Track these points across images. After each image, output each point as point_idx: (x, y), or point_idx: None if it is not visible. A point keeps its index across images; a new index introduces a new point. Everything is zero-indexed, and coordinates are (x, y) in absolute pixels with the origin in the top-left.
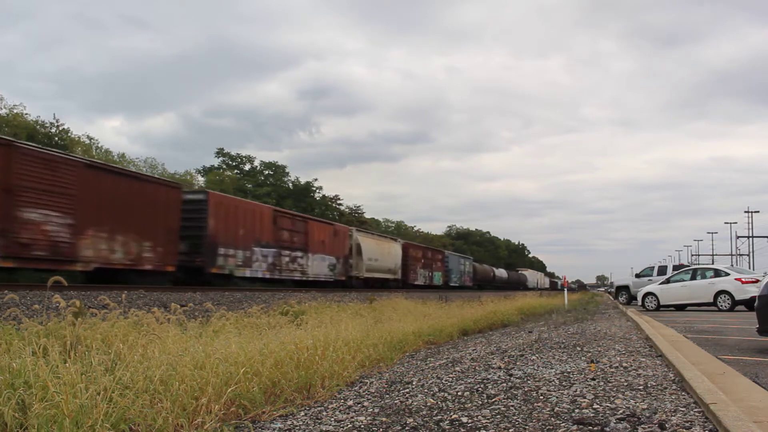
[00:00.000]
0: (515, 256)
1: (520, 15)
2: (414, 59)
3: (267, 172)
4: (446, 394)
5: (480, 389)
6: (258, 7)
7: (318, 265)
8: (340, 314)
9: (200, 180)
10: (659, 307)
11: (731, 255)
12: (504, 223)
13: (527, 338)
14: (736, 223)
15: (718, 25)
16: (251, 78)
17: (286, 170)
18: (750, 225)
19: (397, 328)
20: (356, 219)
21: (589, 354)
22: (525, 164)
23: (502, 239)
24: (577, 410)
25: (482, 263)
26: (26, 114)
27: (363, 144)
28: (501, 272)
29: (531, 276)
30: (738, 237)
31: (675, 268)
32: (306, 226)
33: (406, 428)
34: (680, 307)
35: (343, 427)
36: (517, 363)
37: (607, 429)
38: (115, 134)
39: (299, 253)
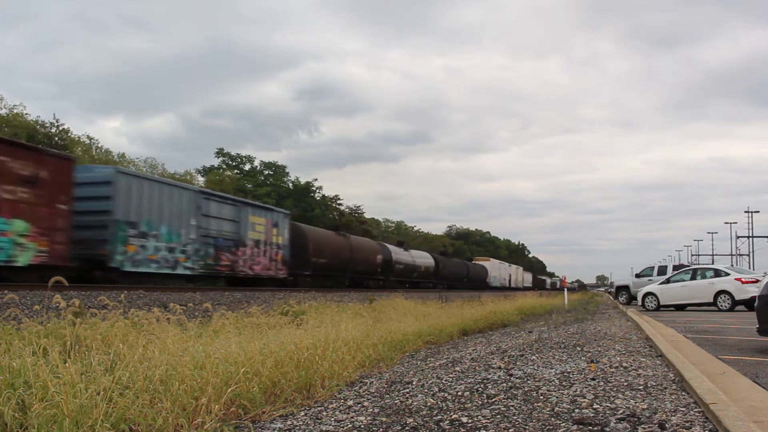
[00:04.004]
0: (515, 256)
1: (519, 16)
2: (413, 60)
3: (267, 172)
4: (446, 394)
5: (480, 389)
6: (257, 7)
7: None
8: (340, 314)
9: (200, 180)
10: (659, 307)
11: (731, 255)
12: (503, 223)
13: (527, 338)
14: (736, 223)
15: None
16: (250, 78)
17: (286, 170)
18: (750, 225)
19: (397, 328)
20: (356, 219)
21: (589, 354)
22: (524, 164)
23: (502, 239)
24: (577, 410)
25: (347, 235)
26: (26, 114)
27: (362, 144)
28: (411, 257)
29: (496, 269)
30: (738, 237)
31: (675, 268)
32: None
33: (406, 428)
34: (680, 307)
35: (343, 427)
36: (517, 363)
37: (607, 429)
38: (115, 134)
39: None
